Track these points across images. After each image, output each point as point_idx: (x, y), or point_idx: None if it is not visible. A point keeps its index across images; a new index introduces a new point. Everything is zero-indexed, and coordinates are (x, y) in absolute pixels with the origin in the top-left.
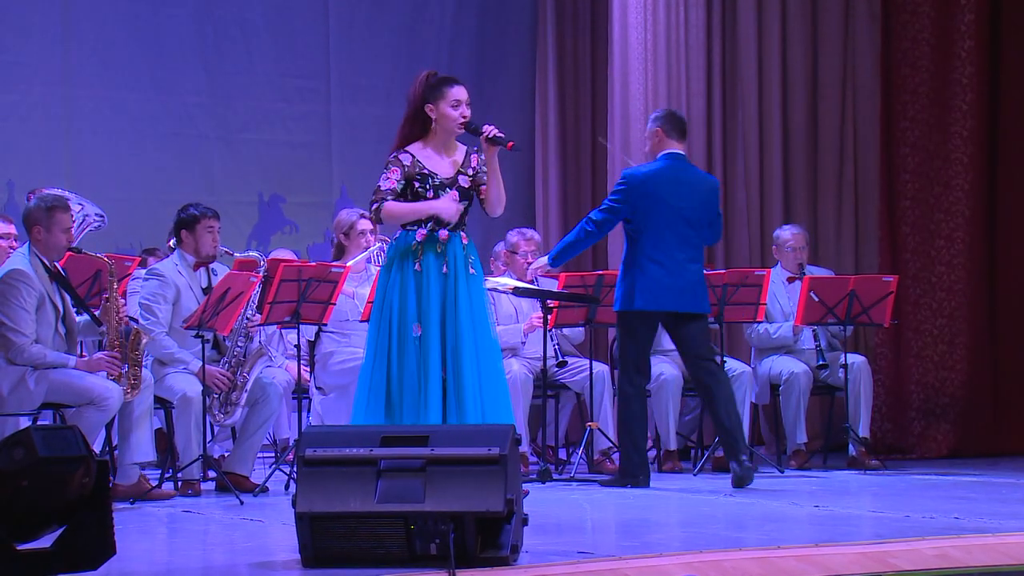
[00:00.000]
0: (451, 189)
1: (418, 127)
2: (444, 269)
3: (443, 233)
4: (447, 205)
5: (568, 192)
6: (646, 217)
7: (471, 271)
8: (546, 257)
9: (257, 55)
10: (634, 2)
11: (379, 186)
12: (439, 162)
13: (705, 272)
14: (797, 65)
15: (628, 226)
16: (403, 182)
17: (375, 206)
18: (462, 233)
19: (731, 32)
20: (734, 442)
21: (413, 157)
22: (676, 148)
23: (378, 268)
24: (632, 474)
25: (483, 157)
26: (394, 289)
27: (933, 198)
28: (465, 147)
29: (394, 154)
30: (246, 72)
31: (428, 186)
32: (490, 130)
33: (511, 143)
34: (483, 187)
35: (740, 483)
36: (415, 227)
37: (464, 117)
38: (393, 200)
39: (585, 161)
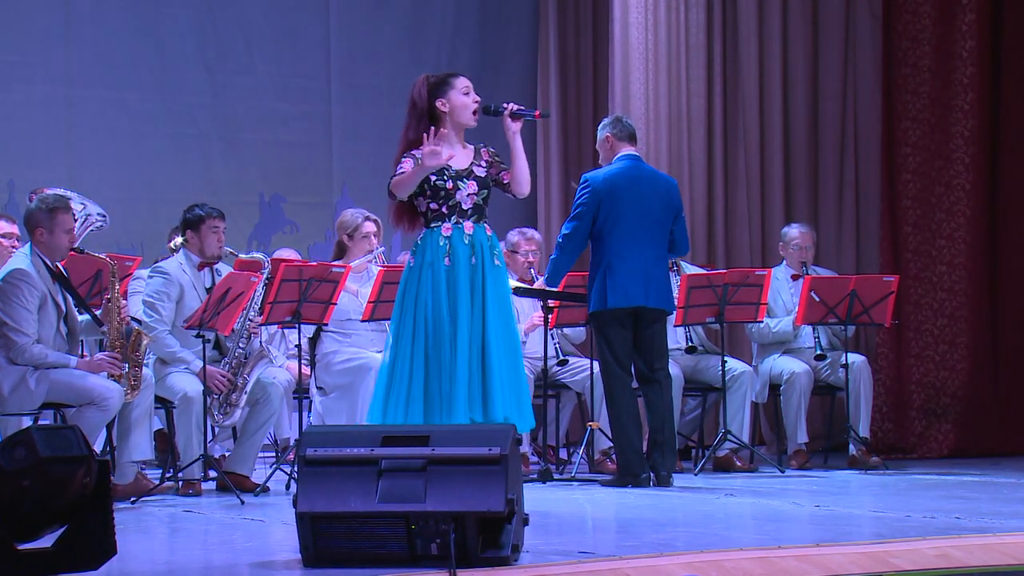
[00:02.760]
0: (469, 179)
1: (425, 128)
2: (472, 260)
3: (468, 225)
4: (432, 160)
5: (569, 192)
6: (610, 217)
7: (496, 263)
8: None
9: (258, 55)
10: (635, 2)
11: (394, 171)
12: (453, 155)
13: (706, 272)
14: (798, 65)
15: (593, 227)
16: None
17: (389, 187)
18: (485, 224)
19: (732, 32)
20: (660, 454)
21: None
22: (630, 151)
23: (380, 268)
24: (632, 472)
25: (493, 149)
26: (426, 287)
27: (934, 198)
28: (472, 144)
29: (407, 153)
30: (247, 72)
31: (446, 177)
32: (511, 106)
33: (538, 112)
34: (503, 174)
35: (658, 484)
36: (440, 223)
37: (477, 102)
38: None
39: (586, 161)
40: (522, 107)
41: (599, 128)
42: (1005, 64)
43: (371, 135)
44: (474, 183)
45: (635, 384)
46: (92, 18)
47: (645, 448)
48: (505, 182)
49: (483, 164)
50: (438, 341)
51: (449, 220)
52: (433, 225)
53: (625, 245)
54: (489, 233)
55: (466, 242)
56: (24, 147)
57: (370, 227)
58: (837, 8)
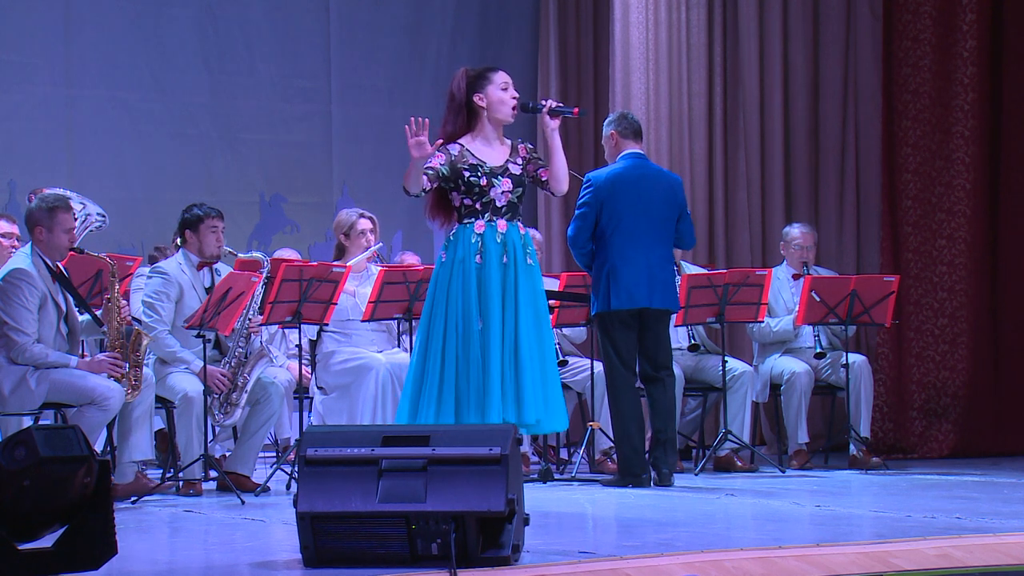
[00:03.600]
0: (503, 177)
1: (462, 122)
2: (504, 259)
3: (501, 223)
4: (418, 151)
5: (570, 192)
6: (613, 217)
7: (529, 262)
8: None
9: (259, 55)
10: (635, 2)
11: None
12: (489, 152)
13: (706, 272)
14: (798, 65)
15: (596, 228)
16: (447, 167)
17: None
18: (519, 223)
19: (732, 32)
20: (662, 452)
21: (462, 147)
22: (634, 148)
23: (380, 268)
24: (633, 473)
25: (531, 146)
26: (457, 284)
27: (935, 198)
28: (510, 140)
29: (441, 145)
30: (248, 72)
31: (480, 174)
32: (550, 102)
33: (576, 109)
34: (541, 171)
35: (659, 482)
36: (473, 219)
37: (515, 98)
38: (435, 180)
39: (587, 161)
40: (561, 104)
41: (604, 125)
42: (1005, 64)
43: (371, 135)
44: (509, 180)
45: (638, 383)
46: (92, 18)
47: (647, 447)
48: (543, 179)
49: (519, 161)
50: (467, 340)
51: (482, 217)
52: (466, 221)
53: (628, 245)
54: (523, 232)
55: (498, 241)
56: (24, 147)
57: (365, 224)
58: (837, 8)
